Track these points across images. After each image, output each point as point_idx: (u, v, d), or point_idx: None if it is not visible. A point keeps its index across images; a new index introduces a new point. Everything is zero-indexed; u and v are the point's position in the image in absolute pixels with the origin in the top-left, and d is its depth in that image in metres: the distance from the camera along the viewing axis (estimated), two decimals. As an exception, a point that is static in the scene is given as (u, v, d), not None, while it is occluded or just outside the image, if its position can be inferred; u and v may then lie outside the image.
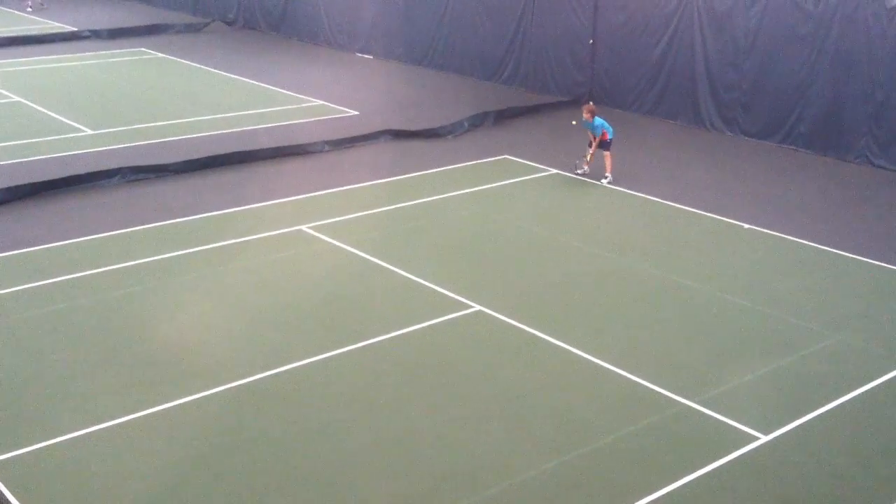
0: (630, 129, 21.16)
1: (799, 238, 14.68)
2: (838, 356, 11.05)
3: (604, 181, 17.08)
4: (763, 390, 10.30)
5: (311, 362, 10.64)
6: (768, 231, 14.97)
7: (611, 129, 17.25)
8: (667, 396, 10.07)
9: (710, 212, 15.79)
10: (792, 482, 8.73)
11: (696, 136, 20.84)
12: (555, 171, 17.89)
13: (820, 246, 14.40)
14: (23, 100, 22.37)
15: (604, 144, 17.20)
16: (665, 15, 21.65)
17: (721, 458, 8.99)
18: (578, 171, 17.45)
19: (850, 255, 14.04)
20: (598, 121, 17.15)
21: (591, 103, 17.89)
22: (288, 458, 8.92)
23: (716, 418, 9.67)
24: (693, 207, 15.99)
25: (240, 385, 10.12)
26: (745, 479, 8.74)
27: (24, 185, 15.88)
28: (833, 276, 13.42)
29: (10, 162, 17.61)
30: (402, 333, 11.38)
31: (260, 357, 10.71)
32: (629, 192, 16.80)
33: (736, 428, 9.50)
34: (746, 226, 15.18)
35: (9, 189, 15.64)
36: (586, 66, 23.47)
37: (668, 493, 8.46)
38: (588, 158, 17.48)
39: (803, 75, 19.43)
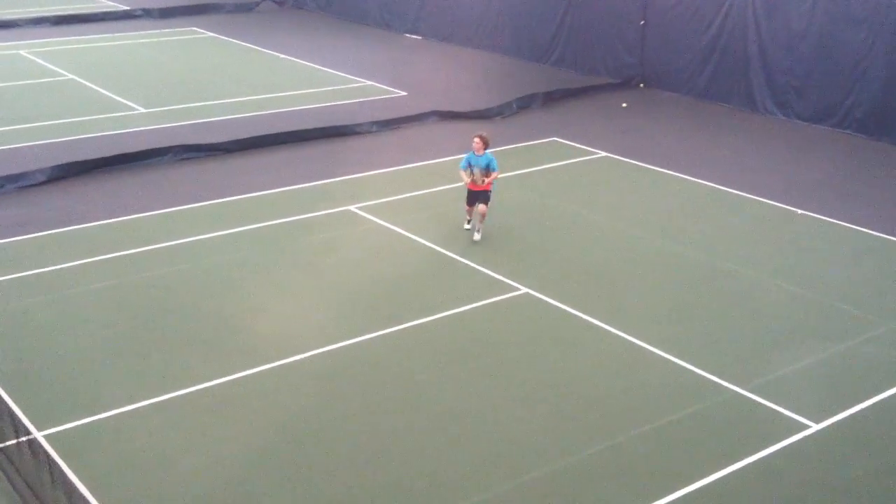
0: (681, 113, 20.95)
1: (852, 224, 14.43)
2: (892, 345, 10.85)
3: (476, 236, 13.43)
4: (814, 378, 10.16)
5: (357, 342, 10.68)
6: (821, 217, 14.73)
7: (495, 175, 13.35)
8: (716, 383, 9.97)
9: (762, 197, 15.56)
10: (842, 472, 8.61)
11: (749, 119, 20.53)
12: (604, 153, 17.74)
13: (873, 232, 14.13)
14: (76, 77, 22.66)
15: (485, 197, 13.34)
16: (718, -4, 21.36)
17: (770, 445, 8.89)
18: (467, 228, 13.77)
19: (906, 243, 13.79)
20: (489, 156, 13.33)
21: (483, 133, 13.40)
22: (330, 436, 8.97)
23: (766, 405, 9.56)
24: (745, 192, 15.77)
25: (285, 364, 10.19)
26: (795, 467, 8.63)
27: (78, 162, 16.11)
28: (887, 263, 13.16)
29: (63, 139, 17.86)
30: (449, 315, 11.37)
31: (306, 336, 10.77)
32: (680, 175, 16.61)
33: (786, 416, 9.38)
34: (800, 211, 14.95)
35: (62, 166, 15.87)
36: (636, 47, 23.20)
37: (715, 481, 8.38)
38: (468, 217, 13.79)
39: (859, 59, 19.04)
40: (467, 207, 13.72)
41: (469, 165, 13.38)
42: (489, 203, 13.45)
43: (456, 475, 8.45)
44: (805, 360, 10.49)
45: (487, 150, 13.34)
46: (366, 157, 17.33)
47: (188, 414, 9.27)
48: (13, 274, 12.14)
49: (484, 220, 13.47)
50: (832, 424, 9.28)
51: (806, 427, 9.22)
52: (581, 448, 8.84)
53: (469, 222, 13.80)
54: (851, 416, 9.45)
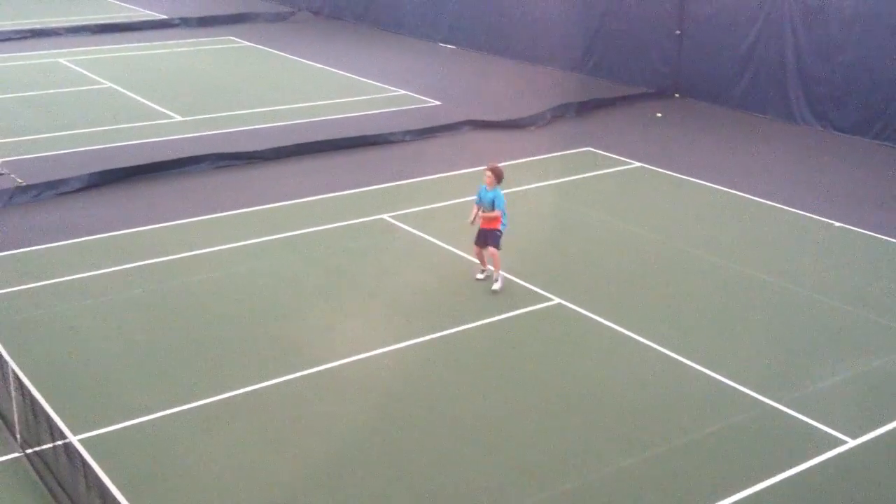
0: (717, 123, 20.82)
1: (891, 237, 14.24)
2: (931, 360, 10.70)
3: (495, 286, 12.21)
4: (852, 393, 10.03)
5: (390, 350, 10.69)
6: (859, 230, 14.55)
7: (505, 216, 12.18)
8: (751, 396, 9.86)
9: (799, 209, 15.41)
10: (879, 489, 8.48)
11: (786, 130, 20.35)
12: (638, 164, 17.66)
13: (914, 246, 13.97)
14: (114, 86, 22.92)
15: (493, 238, 12.16)
16: (755, 5, 21.17)
17: (806, 461, 8.78)
18: (480, 277, 12.52)
19: (946, 256, 13.58)
20: (497, 193, 12.15)
21: (496, 166, 12.29)
22: (361, 443, 8.98)
23: (802, 420, 9.44)
24: (781, 204, 15.62)
25: (319, 371, 10.22)
26: (832, 483, 8.52)
27: (115, 169, 16.28)
28: (927, 277, 12.99)
29: (101, 146, 18.05)
30: (481, 324, 11.35)
31: (340, 344, 10.80)
32: (715, 186, 16.49)
33: (822, 431, 9.26)
34: (837, 224, 14.78)
35: (100, 173, 16.05)
36: (672, 56, 23.08)
37: (750, 496, 8.29)
38: (480, 264, 12.57)
39: (899, 69, 18.84)
40: (475, 248, 12.38)
41: (480, 201, 12.18)
42: (498, 245, 12.13)
43: (489, 485, 8.42)
44: (842, 375, 10.36)
45: (498, 186, 12.11)
46: (399, 166, 17.37)
47: (223, 420, 9.32)
48: (50, 280, 12.29)
49: (497, 264, 12.19)
50: (869, 440, 9.15)
51: (842, 442, 9.09)
52: (614, 460, 8.78)
53: (482, 271, 12.48)
54: (889, 431, 9.31)
